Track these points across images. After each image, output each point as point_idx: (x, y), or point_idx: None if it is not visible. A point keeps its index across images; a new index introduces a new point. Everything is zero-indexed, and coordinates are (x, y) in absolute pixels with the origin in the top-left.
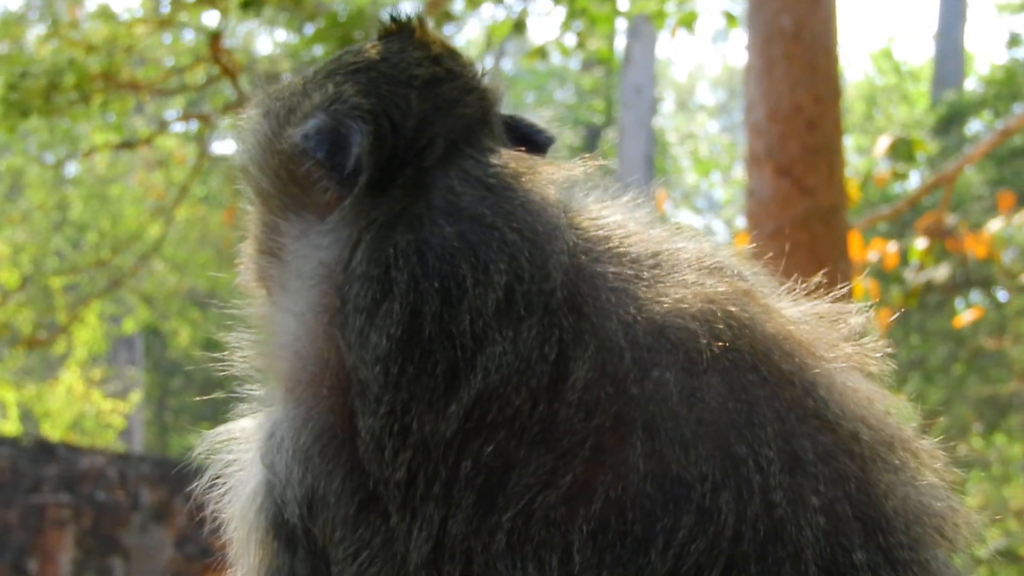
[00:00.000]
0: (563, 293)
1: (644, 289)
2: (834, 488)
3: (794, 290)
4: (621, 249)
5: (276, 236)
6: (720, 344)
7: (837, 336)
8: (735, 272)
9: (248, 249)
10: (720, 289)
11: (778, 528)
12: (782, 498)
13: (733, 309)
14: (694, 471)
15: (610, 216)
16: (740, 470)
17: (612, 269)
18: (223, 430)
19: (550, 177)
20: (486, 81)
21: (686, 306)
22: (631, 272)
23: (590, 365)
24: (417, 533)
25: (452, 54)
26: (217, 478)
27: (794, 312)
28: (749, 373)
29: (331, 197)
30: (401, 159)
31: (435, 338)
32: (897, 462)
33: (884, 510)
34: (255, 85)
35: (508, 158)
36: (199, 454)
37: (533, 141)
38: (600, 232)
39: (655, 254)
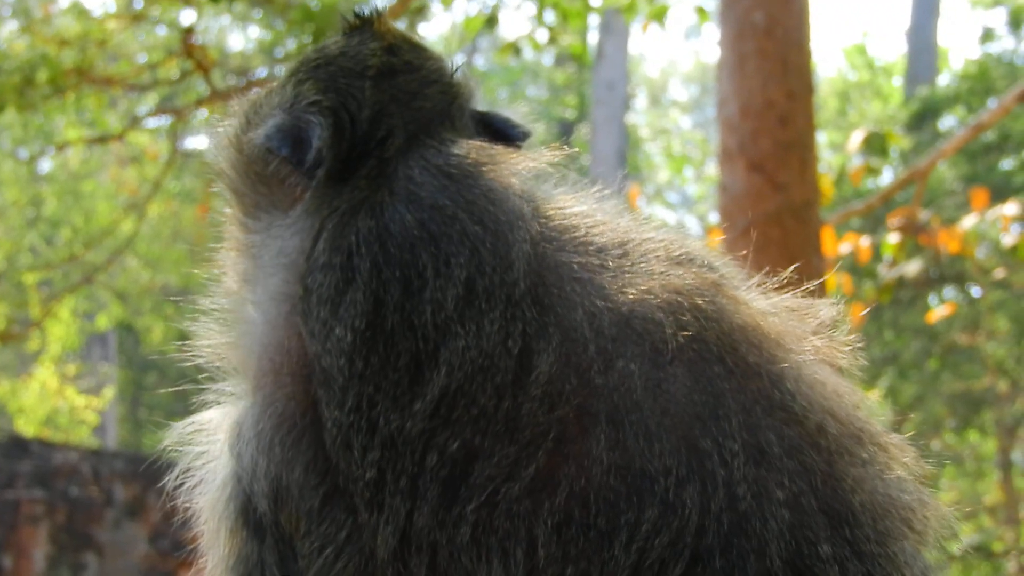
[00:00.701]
0: (526, 283)
1: (610, 279)
2: (800, 481)
3: (764, 283)
4: (587, 239)
5: (246, 233)
6: (686, 335)
7: (806, 329)
8: (704, 263)
9: (222, 248)
10: (688, 280)
11: (742, 521)
12: (746, 491)
13: (700, 301)
14: (658, 464)
15: (576, 206)
16: (704, 463)
17: (577, 259)
18: (191, 421)
19: (513, 167)
20: (454, 76)
21: (652, 297)
22: (597, 262)
23: (554, 358)
24: (383, 527)
25: (412, 47)
26: (187, 470)
27: (763, 304)
28: (715, 365)
29: (297, 192)
30: (361, 150)
31: (397, 329)
32: (865, 455)
33: (851, 503)
34: (228, 81)
35: (470, 148)
36: (168, 446)
37: (507, 136)
38: (565, 222)
39: (622, 244)
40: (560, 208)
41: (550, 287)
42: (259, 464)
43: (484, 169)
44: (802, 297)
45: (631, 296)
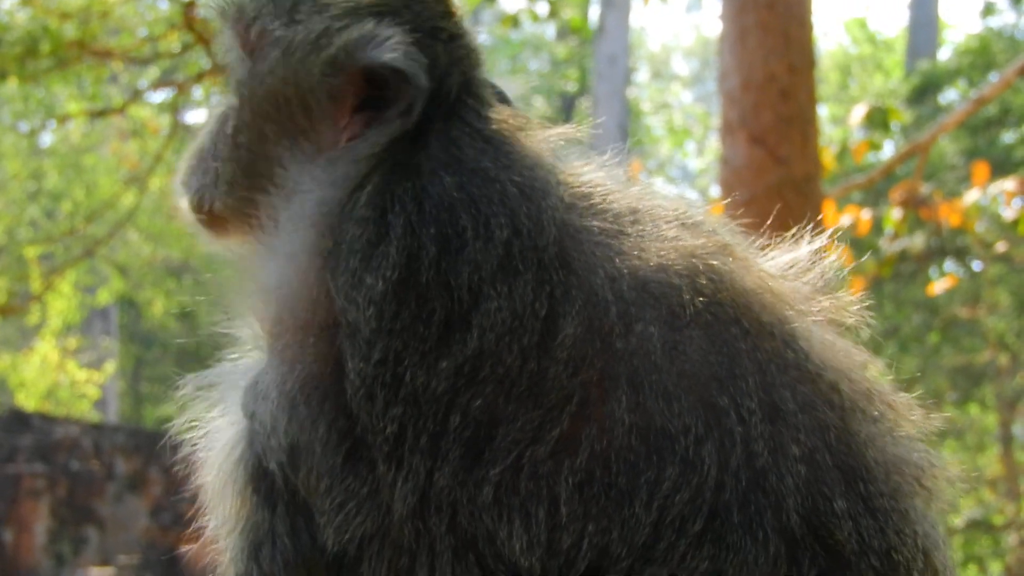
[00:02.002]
0: (554, 248)
1: (627, 244)
2: (814, 437)
3: (768, 246)
4: (603, 205)
5: (272, 163)
6: (702, 298)
7: (812, 289)
8: (711, 227)
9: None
10: (700, 243)
11: (760, 477)
12: (763, 447)
13: (714, 263)
14: (677, 423)
15: (590, 174)
16: (722, 421)
17: (596, 224)
18: (204, 375)
19: (544, 135)
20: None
21: (668, 260)
22: (614, 227)
23: (578, 321)
24: (402, 484)
25: (457, 10)
26: (195, 422)
27: (770, 266)
28: (731, 326)
29: (339, 131)
30: (420, 109)
31: (432, 286)
32: (876, 413)
33: (864, 459)
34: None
35: (506, 114)
36: (181, 399)
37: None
38: (583, 189)
39: (634, 210)
40: (577, 175)
41: (573, 252)
42: (279, 421)
43: (520, 136)
44: (806, 257)
45: (647, 260)
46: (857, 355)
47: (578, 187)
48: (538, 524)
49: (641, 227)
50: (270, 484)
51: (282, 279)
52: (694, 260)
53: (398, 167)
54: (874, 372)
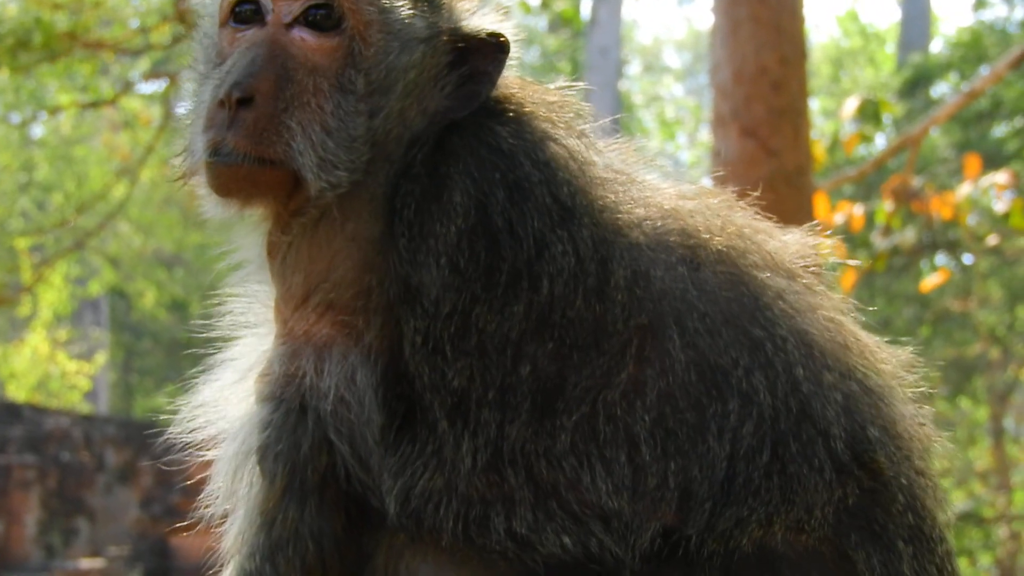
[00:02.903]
0: (599, 198)
1: (636, 191)
2: (840, 363)
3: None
4: (606, 159)
5: (390, 134)
6: (714, 235)
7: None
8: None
9: (358, 156)
10: (684, 188)
11: (806, 406)
12: (803, 375)
13: (714, 201)
14: (726, 357)
15: (588, 134)
16: (762, 351)
17: (608, 175)
18: (213, 358)
19: (547, 91)
20: None
21: (671, 204)
22: (619, 179)
23: (624, 264)
24: (470, 439)
25: None
26: (204, 405)
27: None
28: (743, 259)
29: (434, 99)
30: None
31: (503, 233)
32: (880, 345)
33: (883, 386)
34: None
35: (519, 80)
36: (189, 380)
37: None
38: (588, 144)
39: (624, 161)
40: (582, 133)
41: (604, 201)
42: (349, 401)
43: (531, 92)
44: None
45: (658, 205)
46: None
47: (587, 144)
48: (621, 467)
49: (635, 175)
50: (307, 479)
51: (341, 257)
52: (693, 201)
53: (449, 128)
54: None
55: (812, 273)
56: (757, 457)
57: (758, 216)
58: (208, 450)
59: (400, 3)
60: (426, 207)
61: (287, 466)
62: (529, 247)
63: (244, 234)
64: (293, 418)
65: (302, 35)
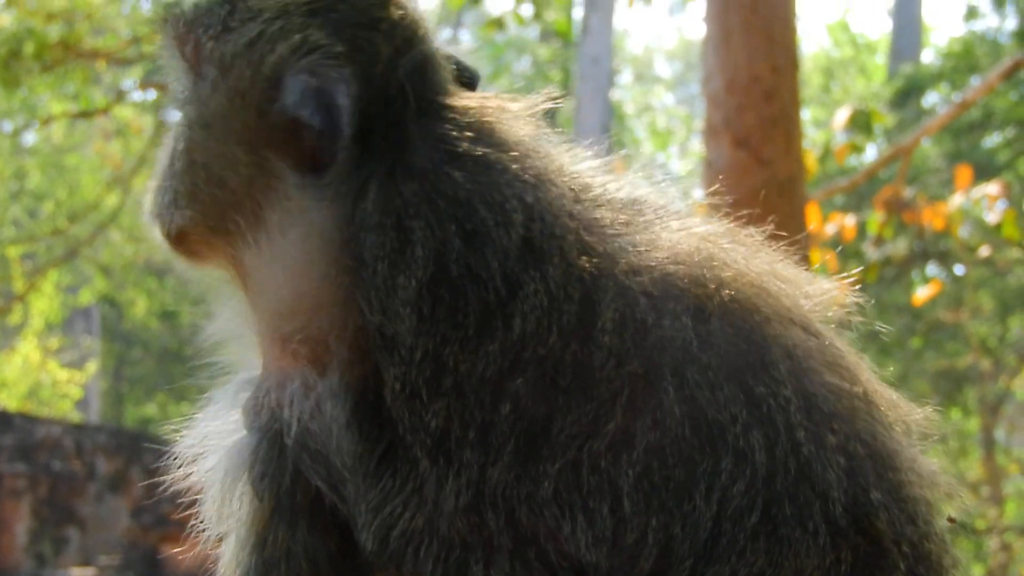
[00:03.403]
0: (573, 236)
1: (639, 235)
2: (846, 425)
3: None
4: (605, 196)
5: (245, 180)
6: (724, 286)
7: (808, 277)
8: (698, 219)
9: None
10: (708, 229)
11: (805, 468)
12: (805, 437)
13: (727, 249)
14: (725, 413)
15: (583, 163)
16: (763, 409)
17: (606, 215)
18: (204, 382)
19: (522, 116)
20: (424, 19)
21: (683, 249)
22: (622, 218)
23: (614, 307)
24: (453, 479)
25: None
26: (193, 427)
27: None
28: (754, 313)
29: (320, 156)
30: (375, 107)
31: (464, 278)
32: (890, 404)
33: (889, 447)
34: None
35: (477, 99)
36: (184, 417)
37: (465, 80)
38: (581, 179)
39: (635, 200)
40: (570, 164)
41: (593, 242)
42: (300, 431)
43: (503, 121)
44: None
45: (663, 250)
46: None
47: (576, 177)
48: (603, 519)
49: (645, 218)
50: (296, 501)
51: (300, 301)
52: (708, 247)
53: (396, 171)
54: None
55: (832, 325)
56: (745, 517)
57: (784, 260)
58: (198, 473)
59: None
60: (395, 261)
61: (273, 489)
62: (496, 288)
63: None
64: (275, 450)
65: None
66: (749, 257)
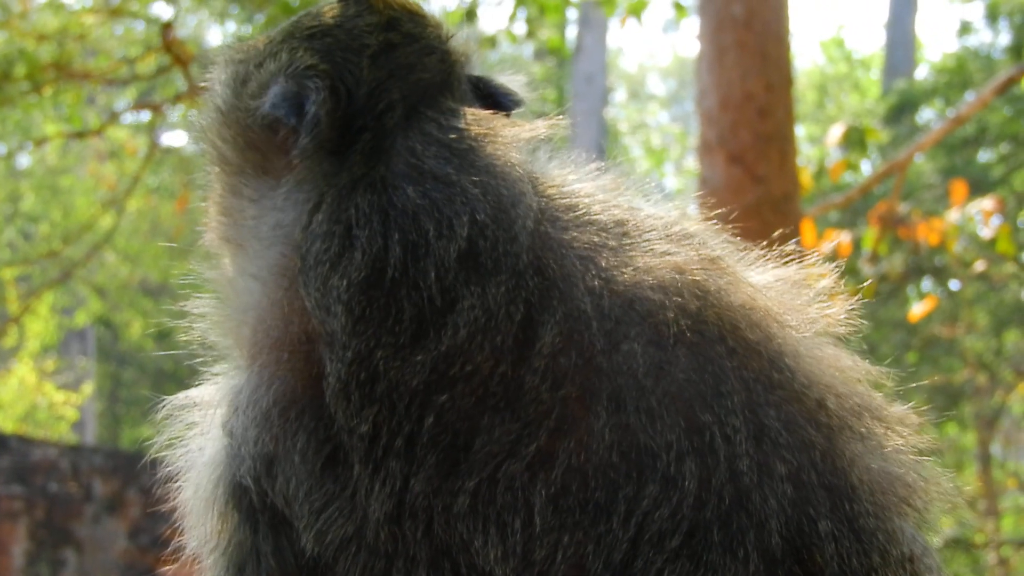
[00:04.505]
0: (529, 257)
1: (611, 258)
2: (800, 456)
3: (759, 257)
4: (587, 217)
5: (235, 198)
6: (688, 316)
7: (803, 301)
8: (701, 240)
9: (211, 210)
10: (687, 258)
11: (743, 497)
12: (748, 466)
13: (700, 279)
14: (660, 440)
15: (575, 183)
16: (705, 438)
17: (579, 237)
18: (184, 396)
19: (513, 139)
20: (451, 42)
21: (653, 276)
22: (597, 240)
23: (557, 331)
24: (380, 488)
25: (412, 16)
26: (175, 440)
27: (760, 279)
28: (717, 345)
29: (292, 161)
30: (359, 124)
31: (399, 285)
32: (864, 430)
33: (849, 478)
34: (206, 76)
35: (470, 120)
36: (161, 419)
37: (500, 103)
38: (565, 199)
39: (622, 222)
40: (559, 185)
41: (552, 263)
42: (250, 434)
43: (486, 142)
44: (797, 268)
45: (633, 276)
46: (849, 368)
47: (561, 198)
48: (513, 534)
49: (629, 241)
50: (250, 501)
51: (253, 300)
52: (681, 276)
53: (358, 183)
54: (868, 383)
55: (828, 340)
56: (666, 541)
57: (777, 286)
58: (183, 491)
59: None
60: (334, 264)
61: (231, 490)
62: (432, 298)
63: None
64: (230, 455)
65: None
66: (729, 285)
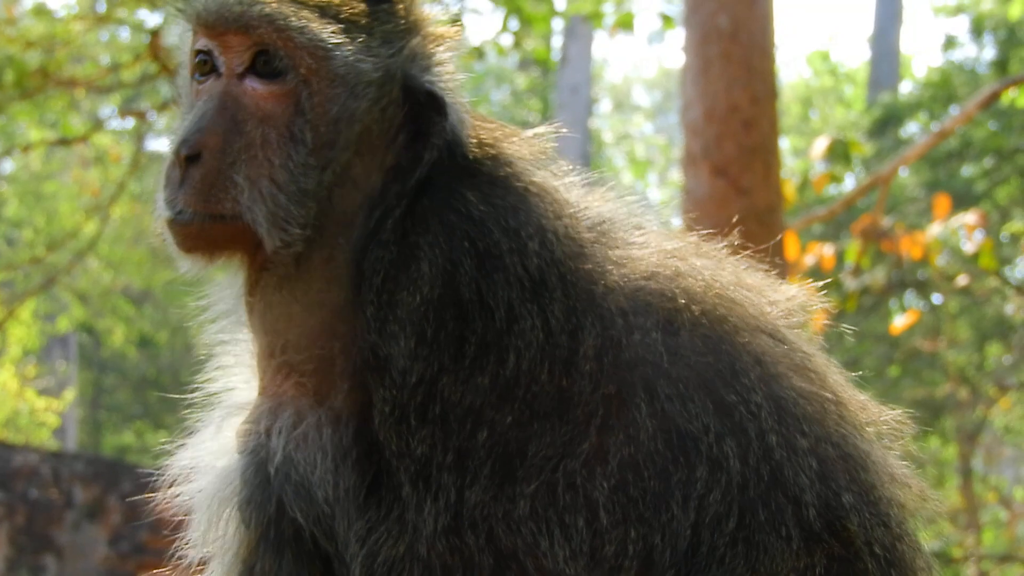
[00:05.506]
0: (571, 265)
1: (614, 252)
2: (817, 427)
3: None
4: (584, 215)
5: (334, 190)
6: (693, 300)
7: (773, 283)
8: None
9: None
10: (675, 244)
11: (777, 473)
12: (777, 442)
13: (695, 262)
14: (696, 424)
15: (562, 181)
16: (734, 417)
17: (587, 236)
18: (193, 400)
19: (525, 144)
20: None
21: (652, 265)
22: (596, 236)
23: (595, 333)
24: (432, 503)
25: None
26: (186, 466)
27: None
28: (723, 323)
29: (385, 154)
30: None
31: (472, 304)
32: (862, 405)
33: (860, 448)
34: None
35: (482, 123)
36: (170, 440)
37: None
38: (571, 201)
39: (607, 218)
40: (567, 189)
41: (582, 267)
42: (290, 462)
43: (514, 146)
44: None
45: (634, 267)
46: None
47: (568, 200)
48: (579, 533)
49: (617, 234)
50: (281, 531)
51: (309, 318)
52: (676, 261)
53: (417, 186)
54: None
55: (799, 330)
56: (723, 524)
57: (749, 269)
58: (186, 494)
59: (349, 45)
60: (395, 275)
61: (261, 517)
62: (500, 318)
63: (222, 287)
64: (261, 477)
65: (253, 84)
66: (715, 268)
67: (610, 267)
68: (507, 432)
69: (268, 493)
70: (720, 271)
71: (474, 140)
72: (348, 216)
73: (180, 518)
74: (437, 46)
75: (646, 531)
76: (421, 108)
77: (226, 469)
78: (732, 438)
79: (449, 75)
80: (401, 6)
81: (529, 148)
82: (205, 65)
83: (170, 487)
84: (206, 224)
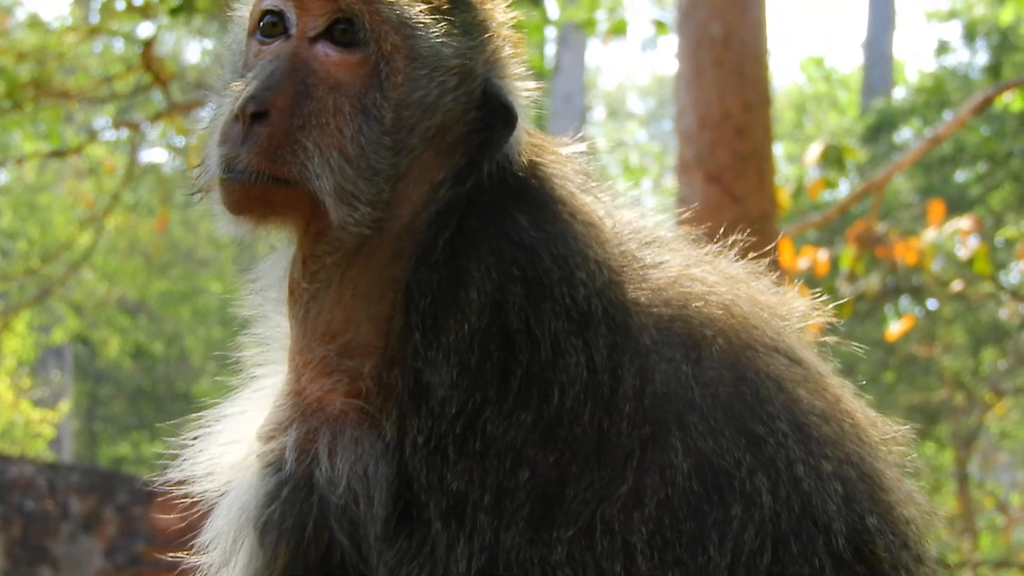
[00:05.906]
0: (613, 296)
1: (642, 278)
2: (838, 450)
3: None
4: (617, 239)
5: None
6: (716, 327)
7: (779, 301)
8: (680, 242)
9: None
10: (694, 263)
11: (807, 503)
12: (804, 471)
13: (714, 282)
14: (729, 459)
15: (601, 204)
16: (764, 449)
17: (620, 261)
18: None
19: (568, 164)
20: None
21: (673, 289)
22: (629, 262)
23: (633, 371)
24: (465, 543)
25: None
26: (212, 478)
27: (738, 273)
28: (745, 350)
29: (451, 156)
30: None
31: (519, 334)
32: (876, 426)
33: (877, 466)
34: (185, 94)
35: (540, 141)
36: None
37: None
38: (605, 223)
39: (634, 238)
40: (599, 210)
41: (619, 298)
42: (332, 484)
43: (558, 164)
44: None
45: (658, 294)
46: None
47: (598, 220)
48: None
49: (644, 257)
50: (308, 552)
51: (360, 312)
52: (698, 285)
53: (471, 205)
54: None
55: (810, 347)
56: (758, 561)
57: (760, 280)
58: (201, 501)
59: (435, 27)
60: (442, 300)
61: (291, 543)
62: (546, 350)
63: (270, 263)
64: (300, 496)
65: (326, 50)
66: (732, 288)
67: (642, 296)
68: (548, 473)
69: (305, 512)
70: (737, 290)
71: (523, 158)
72: (412, 212)
73: (194, 515)
74: (511, 54)
75: (683, 573)
76: (494, 116)
77: (252, 487)
78: (763, 471)
79: (526, 91)
80: None
81: (571, 167)
82: (275, 27)
83: (186, 483)
84: (269, 186)
